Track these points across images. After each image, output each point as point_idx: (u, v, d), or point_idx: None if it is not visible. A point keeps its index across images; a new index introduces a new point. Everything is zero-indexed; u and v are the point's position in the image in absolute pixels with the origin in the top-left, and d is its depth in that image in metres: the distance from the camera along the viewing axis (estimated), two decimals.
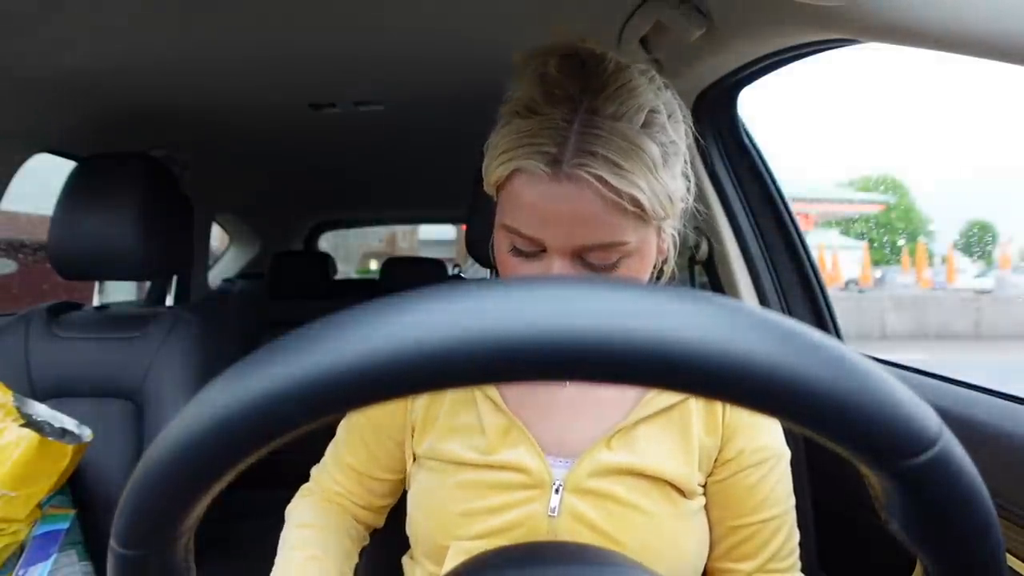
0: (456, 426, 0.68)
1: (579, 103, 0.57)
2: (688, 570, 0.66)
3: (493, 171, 0.62)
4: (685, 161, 0.63)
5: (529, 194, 0.58)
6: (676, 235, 0.67)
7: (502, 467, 0.65)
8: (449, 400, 0.70)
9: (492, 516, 0.64)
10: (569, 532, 0.63)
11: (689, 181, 0.65)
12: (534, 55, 0.62)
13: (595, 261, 0.60)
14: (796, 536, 0.69)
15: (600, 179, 0.55)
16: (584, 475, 0.64)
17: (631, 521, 0.63)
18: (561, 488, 0.64)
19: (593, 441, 0.66)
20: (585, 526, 0.63)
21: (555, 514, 0.64)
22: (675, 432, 0.67)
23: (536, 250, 0.61)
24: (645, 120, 0.58)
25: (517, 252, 0.62)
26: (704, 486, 0.68)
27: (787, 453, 0.70)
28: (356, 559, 0.75)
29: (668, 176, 0.59)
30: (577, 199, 0.56)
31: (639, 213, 0.57)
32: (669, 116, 0.61)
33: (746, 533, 0.68)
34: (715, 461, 0.68)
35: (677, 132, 0.62)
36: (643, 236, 0.60)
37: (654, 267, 0.67)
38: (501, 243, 0.64)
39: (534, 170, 0.57)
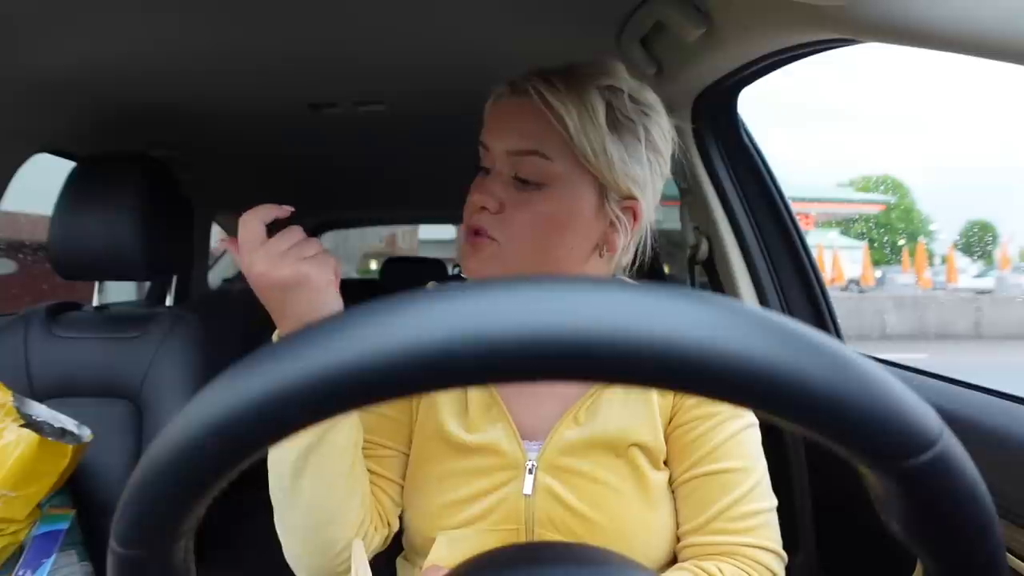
0: (446, 395, 0.72)
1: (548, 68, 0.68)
2: (659, 544, 0.67)
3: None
4: (652, 150, 0.69)
5: (493, 110, 0.71)
6: (622, 224, 0.70)
7: (479, 450, 0.68)
8: None
9: (473, 503, 0.67)
10: (544, 511, 0.66)
11: (651, 173, 0.69)
12: None
13: (523, 175, 0.67)
14: (759, 504, 0.66)
15: (538, 92, 0.65)
16: (555, 453, 0.67)
17: (600, 497, 0.66)
18: (535, 468, 0.67)
19: (561, 417, 0.69)
20: (559, 504, 0.66)
21: (530, 493, 0.67)
22: (636, 394, 0.69)
23: (489, 166, 0.70)
24: (601, 85, 0.66)
25: (480, 170, 0.71)
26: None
27: (749, 419, 0.69)
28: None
29: (611, 137, 0.65)
30: (517, 106, 0.67)
31: (565, 138, 0.65)
32: (635, 101, 0.68)
33: (689, 488, 0.67)
34: (671, 422, 0.70)
35: (644, 121, 0.68)
36: (571, 171, 0.66)
37: (598, 252, 0.70)
38: None
39: (501, 90, 0.70)
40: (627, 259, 0.73)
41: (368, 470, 0.71)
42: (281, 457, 0.63)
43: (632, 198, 0.68)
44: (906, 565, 0.28)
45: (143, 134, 1.64)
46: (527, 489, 0.67)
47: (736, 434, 0.68)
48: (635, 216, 0.70)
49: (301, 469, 0.62)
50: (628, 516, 0.66)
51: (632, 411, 0.69)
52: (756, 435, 0.70)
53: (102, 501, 1.12)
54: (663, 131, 0.70)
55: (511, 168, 0.67)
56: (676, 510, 0.69)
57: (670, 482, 0.70)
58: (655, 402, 0.70)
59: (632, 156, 0.67)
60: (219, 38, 1.13)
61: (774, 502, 0.68)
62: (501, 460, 0.68)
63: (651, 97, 0.70)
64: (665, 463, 0.70)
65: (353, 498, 0.66)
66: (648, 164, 0.68)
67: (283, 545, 0.67)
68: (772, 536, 0.67)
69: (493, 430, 0.69)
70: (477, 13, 1.07)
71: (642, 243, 0.74)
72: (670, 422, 0.70)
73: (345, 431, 0.64)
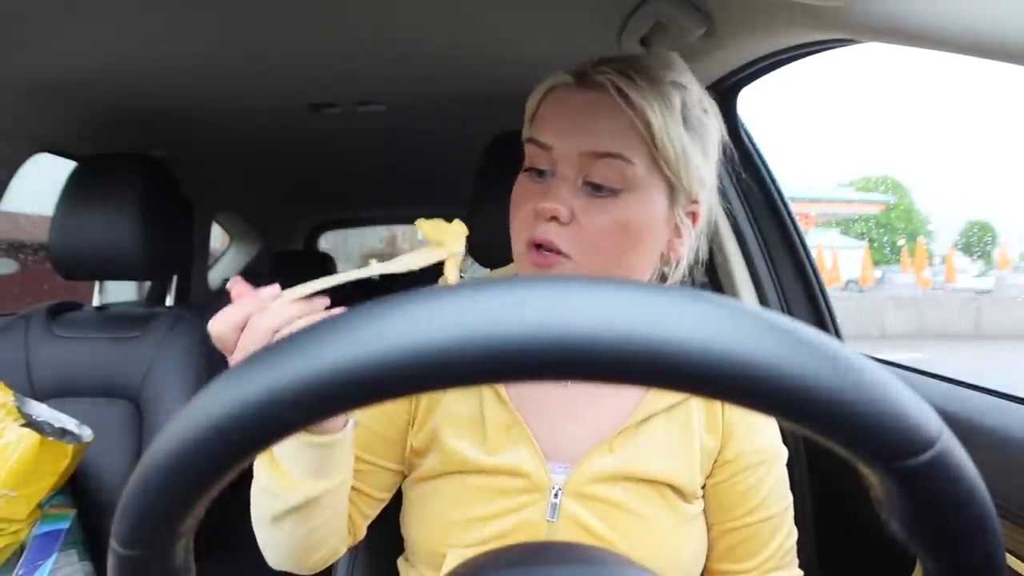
0: (457, 415, 0.67)
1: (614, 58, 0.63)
2: (683, 574, 0.66)
3: (528, 111, 0.65)
4: (718, 157, 0.65)
5: (554, 103, 0.63)
6: (686, 229, 0.66)
7: (501, 471, 0.64)
8: None
9: (490, 523, 0.64)
10: (567, 537, 0.63)
11: (714, 175, 0.66)
12: None
13: (598, 180, 0.60)
14: (794, 534, 0.70)
15: (616, 87, 0.59)
16: (584, 480, 0.64)
17: (629, 526, 0.63)
18: (560, 493, 0.64)
19: (594, 444, 0.65)
20: (583, 531, 0.63)
21: (553, 519, 0.63)
22: (677, 431, 0.66)
23: (546, 167, 0.62)
24: (673, 80, 0.61)
25: (528, 172, 0.64)
26: (703, 487, 0.68)
27: (784, 453, 0.70)
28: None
29: (688, 137, 0.61)
30: (592, 101, 0.60)
31: (647, 138, 0.59)
32: (699, 99, 0.64)
33: (745, 534, 0.68)
34: (715, 463, 0.68)
35: (708, 120, 0.64)
36: (649, 175, 0.61)
37: (663, 263, 0.66)
38: (522, 172, 0.65)
39: (562, 81, 0.62)
40: (684, 267, 0.69)
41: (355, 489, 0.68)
42: (267, 502, 0.59)
43: (696, 201, 0.64)
44: (906, 565, 0.28)
45: (143, 134, 1.64)
46: (550, 515, 0.63)
47: (781, 475, 0.69)
48: (694, 221, 0.66)
49: (284, 519, 0.58)
50: (657, 545, 0.63)
51: (672, 450, 0.65)
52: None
53: (102, 501, 1.12)
54: (718, 133, 0.66)
55: (580, 171, 0.60)
56: (719, 551, 0.69)
57: (716, 524, 0.68)
58: (697, 444, 0.66)
59: (702, 157, 0.63)
60: (220, 38, 1.13)
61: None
62: (525, 482, 0.64)
63: (708, 98, 0.66)
64: (700, 498, 0.68)
65: (339, 532, 0.64)
66: (713, 166, 0.65)
67: (262, 549, 0.63)
68: (795, 559, 0.71)
69: (516, 452, 0.65)
70: (477, 14, 1.07)
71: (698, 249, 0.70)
72: (714, 464, 0.68)
73: (341, 495, 0.60)
